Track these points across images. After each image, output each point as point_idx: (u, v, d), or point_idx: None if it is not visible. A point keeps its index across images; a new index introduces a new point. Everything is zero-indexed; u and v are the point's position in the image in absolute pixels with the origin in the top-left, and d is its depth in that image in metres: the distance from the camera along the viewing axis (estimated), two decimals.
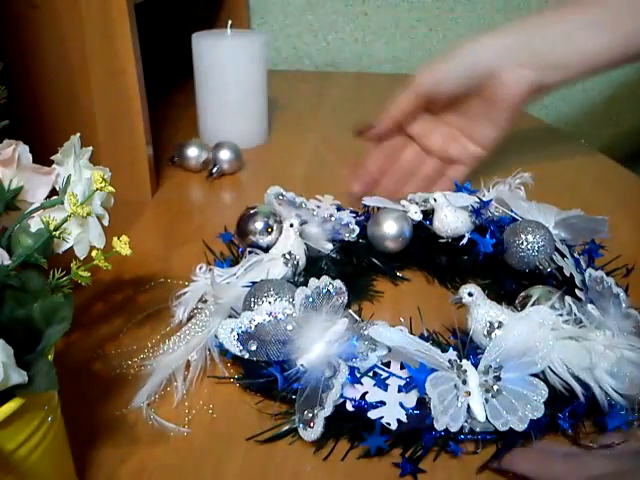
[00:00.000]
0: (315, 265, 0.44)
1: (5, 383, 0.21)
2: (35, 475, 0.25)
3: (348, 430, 0.32)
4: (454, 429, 0.31)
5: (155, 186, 0.58)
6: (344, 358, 0.33)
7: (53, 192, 0.32)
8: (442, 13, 1.00)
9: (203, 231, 0.51)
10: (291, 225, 0.43)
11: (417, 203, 0.48)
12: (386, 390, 0.32)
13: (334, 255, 0.46)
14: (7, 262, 0.27)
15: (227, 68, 0.65)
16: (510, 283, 0.44)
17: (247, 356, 0.33)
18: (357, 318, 0.36)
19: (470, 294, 0.36)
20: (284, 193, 0.48)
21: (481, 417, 0.31)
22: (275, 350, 0.33)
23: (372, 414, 0.31)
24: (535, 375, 0.33)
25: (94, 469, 0.30)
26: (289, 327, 0.33)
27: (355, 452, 0.32)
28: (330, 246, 0.46)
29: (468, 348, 0.35)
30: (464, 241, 0.45)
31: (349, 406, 0.32)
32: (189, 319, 0.39)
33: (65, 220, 0.29)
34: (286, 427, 0.32)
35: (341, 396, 0.32)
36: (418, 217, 0.47)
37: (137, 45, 0.52)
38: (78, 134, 0.32)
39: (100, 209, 0.32)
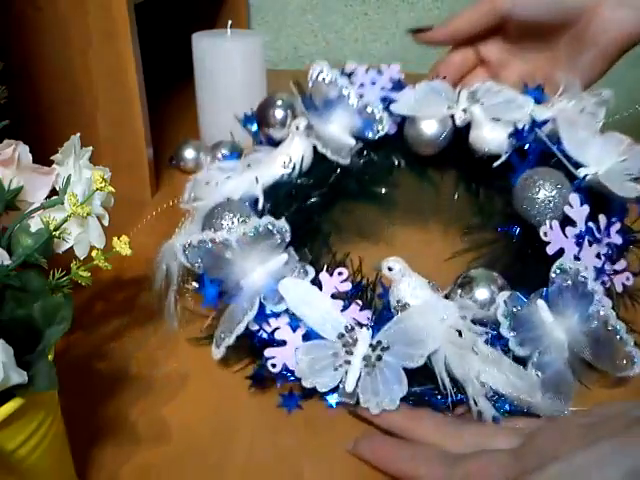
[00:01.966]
0: (325, 168, 0.41)
1: (5, 383, 0.21)
2: (35, 475, 0.25)
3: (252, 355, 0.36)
4: (322, 389, 0.33)
5: (155, 186, 0.58)
6: (263, 296, 0.34)
7: (53, 192, 0.32)
8: (443, 14, 1.00)
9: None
10: (297, 128, 0.40)
11: (475, 100, 0.42)
12: (294, 332, 0.34)
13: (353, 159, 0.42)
14: (7, 262, 0.27)
15: (227, 68, 0.65)
16: (515, 228, 0.40)
17: (193, 269, 0.35)
18: (296, 258, 0.37)
19: (390, 269, 0.36)
20: (328, 71, 0.43)
21: (349, 387, 0.32)
22: (215, 271, 0.35)
23: (267, 352, 0.34)
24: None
25: (94, 469, 0.30)
26: (227, 255, 0.35)
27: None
28: (352, 142, 0.42)
29: (384, 313, 0.35)
30: (497, 163, 0.40)
31: (260, 333, 0.34)
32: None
33: (65, 220, 0.29)
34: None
35: (259, 321, 0.34)
36: (460, 121, 0.41)
37: (137, 45, 0.52)
38: (78, 134, 0.32)
39: (100, 209, 0.32)
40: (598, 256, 0.37)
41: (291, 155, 0.40)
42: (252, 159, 0.42)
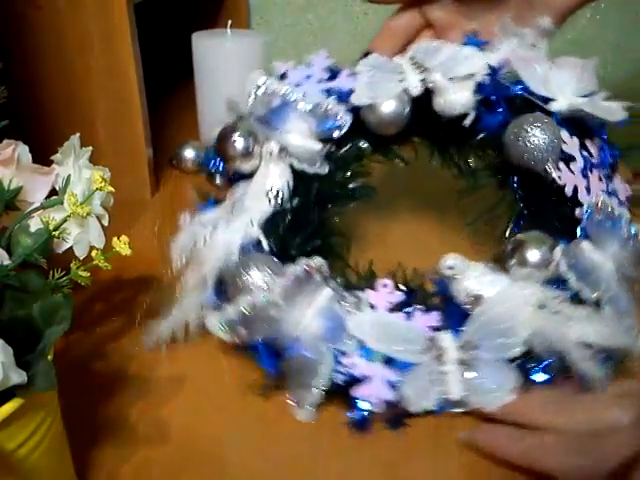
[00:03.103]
0: (305, 183, 0.40)
1: (5, 383, 0.21)
2: (35, 475, 0.25)
3: (339, 400, 0.33)
4: (431, 408, 0.32)
5: (155, 186, 0.58)
6: (329, 338, 0.33)
7: (53, 192, 0.32)
8: None
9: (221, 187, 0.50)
10: (271, 154, 0.38)
11: (418, 66, 0.41)
12: (372, 362, 0.33)
13: (325, 163, 0.40)
14: (7, 262, 0.27)
15: (227, 68, 0.65)
16: (512, 180, 0.40)
17: (238, 341, 0.34)
18: (341, 288, 0.35)
19: (450, 267, 0.35)
20: (267, 81, 0.41)
21: (455, 395, 0.32)
22: (263, 333, 0.33)
23: (356, 392, 0.32)
24: None
25: (94, 469, 0.30)
26: (272, 312, 0.33)
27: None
28: (319, 146, 0.40)
29: (451, 309, 0.34)
30: (468, 121, 0.40)
31: (338, 379, 0.32)
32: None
33: (65, 220, 0.29)
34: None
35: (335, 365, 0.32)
36: (416, 92, 0.40)
37: (137, 45, 0.52)
38: (78, 134, 0.32)
39: (100, 209, 0.32)
40: (600, 179, 0.37)
41: (273, 184, 0.38)
42: (234, 202, 0.39)
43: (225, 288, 0.36)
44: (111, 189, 0.31)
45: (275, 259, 0.36)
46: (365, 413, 0.32)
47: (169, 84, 0.86)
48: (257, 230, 0.37)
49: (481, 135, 0.41)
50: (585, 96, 0.38)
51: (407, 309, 0.34)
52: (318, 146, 0.40)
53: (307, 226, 0.39)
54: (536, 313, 0.33)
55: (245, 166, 0.39)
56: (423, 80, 0.40)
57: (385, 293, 0.35)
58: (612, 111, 0.38)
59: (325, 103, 0.41)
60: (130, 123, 0.53)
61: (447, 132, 0.42)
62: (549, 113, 0.38)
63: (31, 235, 0.28)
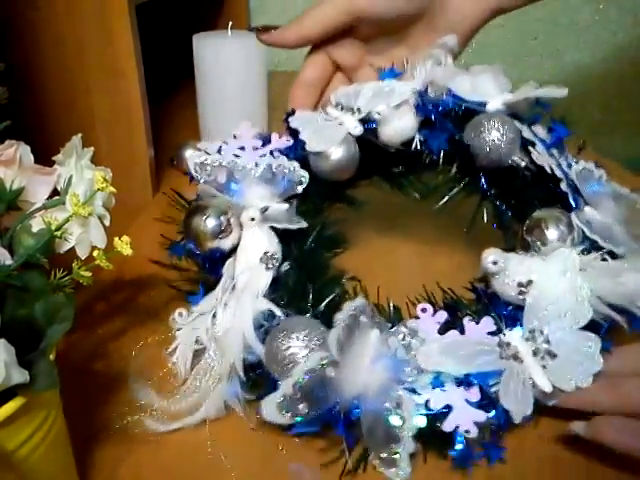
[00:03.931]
0: (285, 244, 0.38)
1: (7, 382, 0.21)
2: (36, 474, 0.25)
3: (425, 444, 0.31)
4: (530, 412, 0.31)
5: (156, 186, 0.58)
6: (397, 380, 0.30)
7: (55, 192, 0.32)
8: None
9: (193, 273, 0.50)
10: (252, 219, 0.36)
11: (348, 109, 0.42)
12: (443, 386, 0.31)
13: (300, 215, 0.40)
14: (9, 262, 0.27)
15: (228, 69, 0.65)
16: (482, 183, 0.42)
17: (301, 420, 0.30)
18: (386, 326, 0.33)
19: (494, 262, 0.34)
20: (206, 160, 0.39)
21: (548, 387, 0.31)
22: (326, 400, 0.30)
23: (446, 425, 0.30)
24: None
25: (95, 468, 0.30)
26: (331, 373, 0.30)
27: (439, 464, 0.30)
28: (286, 206, 0.39)
29: (499, 309, 0.34)
30: (415, 145, 0.41)
31: (419, 422, 0.30)
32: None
33: (67, 220, 0.29)
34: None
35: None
36: (359, 131, 0.41)
37: (138, 46, 0.52)
38: (79, 135, 0.32)
39: (101, 209, 0.32)
40: (560, 155, 0.40)
41: (265, 250, 0.36)
42: (225, 285, 0.36)
43: (254, 375, 0.33)
44: (113, 189, 0.31)
45: (308, 316, 0.34)
46: (463, 445, 0.30)
47: (170, 85, 0.86)
48: (266, 302, 0.34)
49: (430, 155, 0.42)
50: (510, 91, 0.41)
51: (456, 325, 0.33)
52: (285, 206, 0.39)
53: (312, 281, 0.37)
54: (586, 276, 0.32)
55: (224, 243, 0.37)
56: (361, 119, 0.41)
57: (428, 317, 0.33)
58: (551, 91, 0.40)
59: (277, 163, 0.40)
60: (131, 124, 0.54)
61: (397, 161, 0.44)
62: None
63: (33, 235, 0.29)
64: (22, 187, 0.31)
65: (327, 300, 0.36)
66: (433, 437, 0.30)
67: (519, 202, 0.42)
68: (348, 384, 0.30)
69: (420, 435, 0.30)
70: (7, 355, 0.22)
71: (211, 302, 0.36)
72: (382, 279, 0.40)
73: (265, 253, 0.36)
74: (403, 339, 0.32)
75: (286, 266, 0.37)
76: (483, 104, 0.41)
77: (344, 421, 0.30)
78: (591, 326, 0.32)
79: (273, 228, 0.38)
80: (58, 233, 0.28)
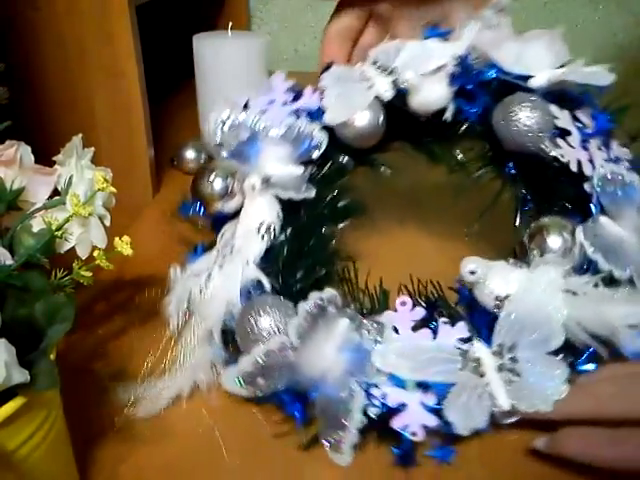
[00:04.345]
0: (292, 212, 0.38)
1: (7, 382, 0.21)
2: (37, 474, 0.25)
3: (376, 436, 0.31)
4: (482, 426, 0.30)
5: (156, 187, 0.58)
6: (356, 371, 0.31)
7: (55, 192, 0.32)
8: None
9: (204, 231, 0.51)
10: (253, 188, 0.36)
11: (384, 69, 0.39)
12: (404, 387, 0.31)
13: (311, 184, 0.38)
14: (9, 262, 0.27)
15: (228, 69, 0.65)
16: (509, 167, 0.39)
17: (260, 394, 0.32)
18: (358, 316, 0.33)
19: (472, 272, 0.33)
20: (231, 116, 0.39)
21: (506, 405, 0.30)
22: (284, 379, 0.31)
23: (395, 423, 0.30)
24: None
25: (96, 468, 0.30)
26: (290, 356, 0.31)
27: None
28: (300, 170, 0.38)
29: (476, 317, 0.33)
30: (448, 115, 0.38)
31: (372, 413, 0.30)
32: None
33: (67, 220, 0.29)
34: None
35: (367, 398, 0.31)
36: (388, 96, 0.39)
37: (138, 47, 0.52)
38: (80, 135, 0.32)
39: (102, 209, 0.32)
40: (600, 149, 0.36)
41: (263, 219, 0.36)
42: (223, 247, 0.37)
43: (233, 340, 0.34)
44: (113, 189, 0.31)
45: (281, 298, 0.34)
46: (409, 445, 0.30)
47: (170, 85, 0.86)
48: (255, 270, 0.35)
49: (464, 126, 0.39)
50: (562, 66, 0.37)
51: (432, 324, 0.33)
52: (299, 170, 0.39)
53: (306, 256, 0.37)
54: (569, 301, 0.31)
55: (228, 206, 0.37)
56: (394, 82, 0.39)
57: (406, 312, 0.33)
58: (597, 76, 0.37)
59: (297, 125, 0.39)
60: (131, 124, 0.54)
61: (428, 130, 0.41)
62: (530, 91, 0.37)
63: (34, 235, 0.29)
64: (22, 187, 0.31)
65: (314, 278, 0.36)
66: (383, 430, 0.31)
67: (543, 195, 0.38)
68: (308, 368, 0.30)
69: (371, 426, 0.31)
70: (7, 355, 0.22)
71: (207, 263, 0.36)
72: (383, 261, 0.40)
73: (262, 223, 0.36)
74: (369, 333, 0.32)
75: (282, 237, 0.37)
76: (526, 78, 0.37)
77: (302, 399, 0.31)
78: (572, 350, 0.31)
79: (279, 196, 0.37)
80: (58, 233, 0.28)
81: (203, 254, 0.38)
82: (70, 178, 0.31)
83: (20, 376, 0.22)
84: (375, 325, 0.32)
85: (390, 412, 0.30)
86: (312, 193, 0.38)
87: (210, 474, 0.31)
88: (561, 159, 0.35)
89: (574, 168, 0.35)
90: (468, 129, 0.39)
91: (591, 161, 0.35)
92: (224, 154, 0.38)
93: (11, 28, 0.50)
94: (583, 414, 0.30)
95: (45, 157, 0.33)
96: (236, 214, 0.37)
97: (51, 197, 0.31)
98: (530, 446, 0.30)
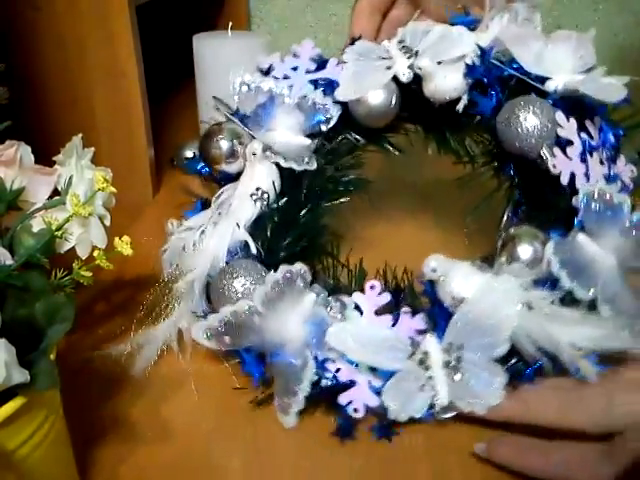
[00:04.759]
0: (294, 180, 0.39)
1: (7, 382, 0.21)
2: (37, 474, 0.25)
3: (325, 406, 0.33)
4: (419, 415, 0.31)
5: (156, 187, 0.58)
6: (314, 344, 0.32)
7: (55, 192, 0.32)
8: None
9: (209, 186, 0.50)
10: (254, 154, 0.37)
11: (407, 50, 0.39)
12: (357, 366, 0.32)
13: (315, 157, 0.39)
14: (9, 262, 0.27)
15: (228, 69, 0.65)
16: (508, 169, 0.38)
17: (225, 349, 0.34)
18: (325, 292, 0.34)
19: (433, 270, 0.33)
20: (250, 78, 0.40)
21: (444, 400, 0.31)
22: (247, 339, 0.33)
23: (342, 398, 0.32)
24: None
25: (96, 468, 0.30)
26: (255, 320, 0.33)
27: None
28: (307, 141, 0.39)
29: (437, 311, 0.33)
30: (460, 106, 0.38)
31: (324, 385, 0.32)
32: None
33: (67, 220, 0.29)
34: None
35: (318, 369, 0.32)
36: (406, 79, 0.39)
37: (138, 47, 0.52)
38: (80, 135, 0.32)
39: (102, 209, 0.32)
40: (602, 163, 0.35)
41: (258, 185, 0.37)
42: (220, 205, 0.38)
43: (211, 295, 0.35)
44: (113, 189, 0.31)
45: (259, 265, 0.35)
46: (350, 420, 0.32)
47: (170, 85, 0.86)
48: (244, 233, 0.36)
49: (477, 119, 0.39)
50: (584, 72, 0.36)
51: (395, 311, 0.34)
52: (307, 141, 0.39)
53: (295, 226, 0.38)
54: (523, 313, 0.31)
55: (231, 167, 0.39)
56: (411, 66, 0.39)
57: (372, 295, 0.34)
58: (609, 90, 0.35)
59: (312, 96, 0.40)
60: (131, 124, 0.54)
61: (441, 117, 0.41)
62: (546, 93, 0.36)
63: (34, 235, 0.29)
64: (22, 187, 0.31)
65: (297, 249, 0.37)
66: (331, 402, 0.33)
67: (535, 202, 0.38)
68: (271, 334, 0.32)
69: (322, 396, 0.33)
70: (7, 355, 0.22)
71: (203, 219, 0.38)
72: (379, 246, 0.41)
73: (257, 189, 0.37)
74: (331, 310, 0.33)
75: (276, 204, 0.38)
76: (544, 79, 0.37)
77: (262, 361, 0.33)
78: (521, 360, 0.32)
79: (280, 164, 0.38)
80: (58, 233, 0.28)
81: (201, 210, 0.39)
82: (70, 178, 0.31)
83: (20, 376, 0.22)
84: (339, 303, 0.34)
85: (340, 387, 0.32)
86: (313, 165, 0.38)
87: (210, 474, 0.31)
88: (552, 170, 0.35)
89: (564, 180, 0.34)
90: (480, 122, 0.39)
91: (587, 175, 0.35)
92: (232, 117, 0.39)
93: (11, 28, 0.50)
94: (515, 418, 0.31)
95: (45, 157, 0.33)
96: (239, 175, 0.38)
97: (51, 197, 0.31)
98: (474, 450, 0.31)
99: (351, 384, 0.32)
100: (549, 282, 0.33)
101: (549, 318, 0.31)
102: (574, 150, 0.35)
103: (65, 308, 0.25)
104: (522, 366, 0.32)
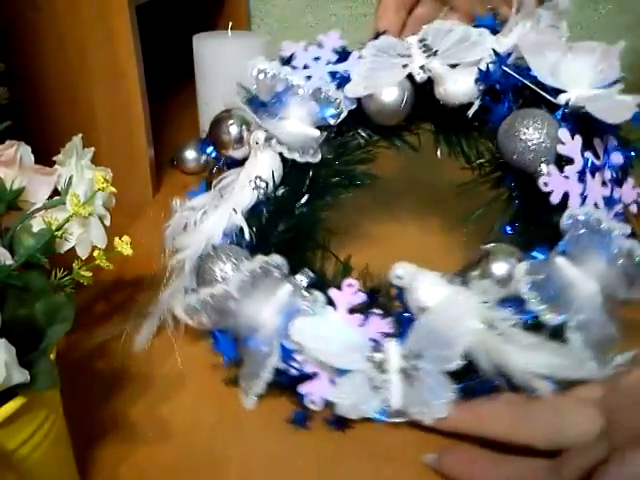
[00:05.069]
0: (299, 171, 0.39)
1: (7, 382, 0.21)
2: (37, 474, 0.25)
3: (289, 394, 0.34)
4: (372, 415, 0.32)
5: (156, 187, 0.58)
6: (281, 334, 0.33)
7: (55, 192, 0.32)
8: None
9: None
10: (257, 142, 0.38)
11: (427, 49, 0.39)
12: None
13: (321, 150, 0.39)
14: (9, 262, 0.27)
15: (228, 69, 0.65)
16: (509, 180, 0.37)
17: (200, 327, 0.35)
18: (302, 285, 0.35)
19: (399, 277, 0.34)
20: (268, 65, 0.40)
21: (395, 404, 0.31)
22: (224, 323, 0.34)
23: (302, 388, 0.33)
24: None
25: (96, 468, 0.30)
26: (231, 305, 0.34)
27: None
28: (317, 133, 0.40)
29: (405, 316, 0.34)
30: (471, 111, 0.38)
31: (291, 374, 0.33)
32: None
33: (67, 220, 0.29)
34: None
35: (285, 358, 0.33)
36: (420, 78, 0.39)
37: (138, 47, 0.52)
38: (80, 135, 0.32)
39: (102, 209, 0.32)
40: (604, 184, 0.34)
41: (259, 173, 0.38)
42: (223, 187, 0.39)
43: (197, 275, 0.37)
44: (113, 189, 0.31)
45: (244, 252, 0.36)
46: (306, 410, 0.33)
47: (170, 85, 0.86)
48: (240, 218, 0.37)
49: (488, 126, 0.38)
50: (602, 87, 0.35)
51: (367, 312, 0.34)
52: (316, 133, 0.40)
53: (290, 217, 0.39)
54: (481, 331, 0.31)
55: (237, 153, 0.40)
56: (423, 67, 0.39)
57: (348, 294, 0.34)
58: (613, 110, 0.34)
59: (325, 88, 0.40)
60: (131, 124, 0.54)
61: (453, 120, 0.40)
62: (557, 106, 0.35)
63: (34, 235, 0.29)
64: (22, 187, 0.31)
65: (288, 238, 0.38)
66: (294, 391, 0.33)
67: (531, 215, 0.37)
68: (245, 319, 0.33)
69: (287, 383, 0.34)
70: (7, 355, 0.22)
71: (206, 200, 0.39)
72: (375, 239, 0.42)
73: (257, 177, 0.38)
74: (305, 302, 0.34)
75: (275, 193, 0.38)
76: (558, 91, 0.35)
77: (235, 342, 0.34)
78: (477, 375, 0.32)
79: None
80: (58, 233, 0.28)
81: (206, 192, 0.40)
82: (70, 178, 0.31)
83: (20, 376, 0.22)
84: (312, 297, 0.34)
85: (305, 377, 0.33)
86: (317, 158, 0.39)
87: (210, 474, 0.31)
88: (542, 187, 0.33)
89: (554, 200, 0.33)
90: (490, 129, 0.38)
91: (584, 196, 0.33)
92: (242, 105, 0.40)
93: (11, 28, 0.50)
94: (466, 430, 0.31)
95: (45, 157, 0.33)
96: (244, 161, 0.39)
97: (51, 197, 0.31)
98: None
99: (314, 376, 0.33)
100: (517, 302, 0.32)
101: (506, 340, 0.31)
102: (573, 169, 0.34)
103: (65, 308, 0.25)
104: (477, 384, 0.32)
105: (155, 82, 0.62)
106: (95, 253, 0.30)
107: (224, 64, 0.65)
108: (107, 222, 0.32)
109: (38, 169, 0.32)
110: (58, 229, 0.28)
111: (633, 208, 0.36)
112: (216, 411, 0.34)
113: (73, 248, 0.30)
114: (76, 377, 0.35)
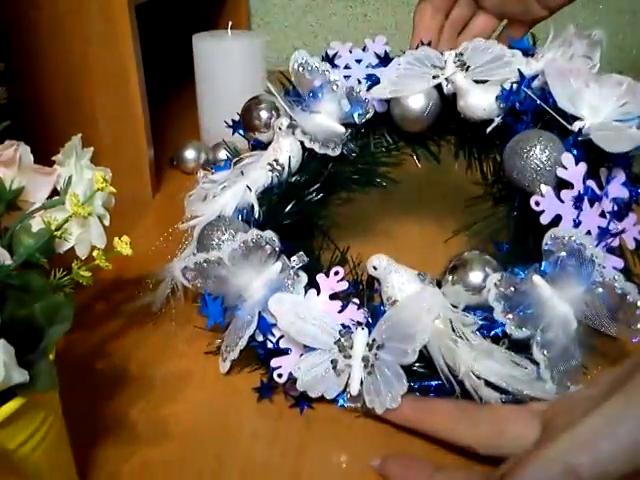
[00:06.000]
0: (320, 162, 0.41)
1: (6, 382, 0.21)
2: (36, 474, 0.25)
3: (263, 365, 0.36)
4: (330, 397, 0.33)
5: (156, 186, 0.58)
6: (263, 308, 0.34)
7: (54, 192, 0.32)
8: None
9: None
10: (279, 128, 0.40)
11: (462, 63, 0.40)
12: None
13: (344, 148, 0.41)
14: (9, 262, 0.27)
15: (227, 69, 0.65)
16: (516, 195, 0.37)
17: (194, 288, 0.37)
18: (291, 265, 0.36)
19: (375, 267, 0.36)
20: (308, 60, 0.42)
21: (354, 390, 0.32)
22: (215, 289, 0.36)
23: (272, 362, 0.34)
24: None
25: (95, 468, 0.30)
26: (223, 272, 0.35)
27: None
28: (342, 129, 0.42)
29: (378, 306, 0.35)
30: (490, 128, 0.39)
31: (266, 344, 0.35)
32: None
33: (66, 220, 0.29)
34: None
35: (264, 331, 0.35)
36: (447, 90, 0.40)
37: (138, 46, 0.52)
38: (79, 135, 0.32)
39: (101, 209, 0.32)
40: (603, 215, 0.34)
41: (277, 157, 0.40)
42: (245, 166, 0.41)
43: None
44: (112, 189, 0.31)
45: (246, 225, 0.38)
46: (272, 382, 0.34)
47: (170, 85, 0.86)
48: (253, 197, 0.39)
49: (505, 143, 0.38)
50: (623, 120, 0.35)
51: (344, 300, 0.35)
52: (341, 129, 0.42)
53: (298, 203, 0.41)
54: (440, 330, 0.32)
55: (262, 136, 0.42)
56: (447, 79, 0.40)
57: (333, 280, 0.35)
58: (613, 139, 0.34)
59: (357, 89, 0.42)
60: (131, 124, 0.54)
61: (476, 135, 0.41)
62: (571, 133, 0.36)
63: (33, 235, 0.29)
64: (22, 187, 0.31)
65: (293, 220, 0.40)
66: (266, 361, 0.35)
67: (524, 235, 0.37)
68: (235, 288, 0.35)
69: (263, 355, 0.35)
70: (7, 355, 0.22)
71: (227, 175, 0.41)
72: (386, 234, 0.45)
73: (275, 160, 0.40)
74: (288, 281, 0.35)
75: (297, 179, 0.41)
76: (575, 119, 0.36)
77: (223, 309, 0.36)
78: (435, 372, 0.32)
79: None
80: (58, 233, 0.28)
81: (229, 168, 0.42)
82: (69, 178, 0.31)
83: (19, 376, 0.22)
84: (297, 278, 0.36)
85: (278, 351, 0.34)
86: (336, 152, 0.41)
87: (211, 473, 0.31)
88: (533, 206, 0.34)
89: (544, 220, 0.34)
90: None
91: (577, 222, 0.34)
92: (274, 92, 0.42)
93: (12, 28, 0.50)
94: (413, 424, 0.32)
95: (45, 157, 0.33)
96: (268, 145, 0.42)
97: (50, 197, 0.31)
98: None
99: (287, 352, 0.34)
100: (487, 311, 0.33)
101: (462, 343, 0.32)
102: (569, 193, 0.34)
103: (64, 308, 0.25)
104: (435, 387, 0.33)
105: (155, 82, 0.62)
106: (94, 253, 0.30)
107: (224, 64, 0.65)
108: (106, 222, 0.32)
109: (37, 169, 0.32)
110: (57, 229, 0.28)
111: (631, 242, 0.35)
112: (216, 410, 0.34)
113: (72, 248, 0.30)
114: (76, 377, 0.35)
